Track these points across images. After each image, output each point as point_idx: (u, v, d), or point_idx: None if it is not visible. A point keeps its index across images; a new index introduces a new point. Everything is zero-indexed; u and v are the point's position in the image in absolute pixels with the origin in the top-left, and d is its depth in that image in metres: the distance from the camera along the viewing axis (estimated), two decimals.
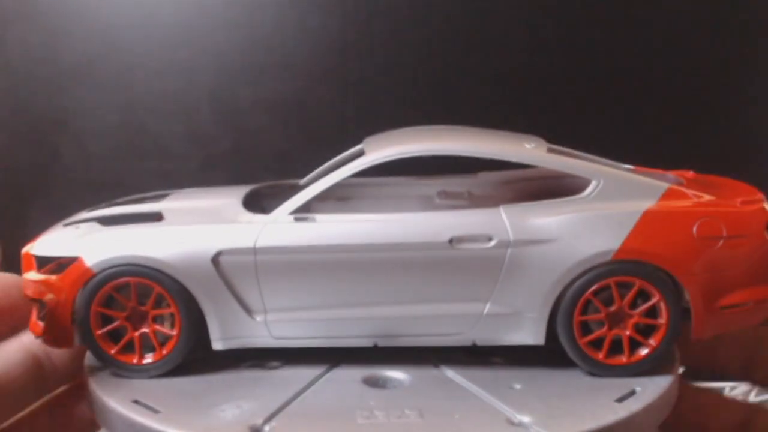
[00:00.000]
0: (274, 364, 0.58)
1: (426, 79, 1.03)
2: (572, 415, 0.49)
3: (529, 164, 0.58)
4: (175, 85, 1.06)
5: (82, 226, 0.60)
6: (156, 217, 0.60)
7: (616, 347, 0.55)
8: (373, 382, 0.56)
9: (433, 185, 0.70)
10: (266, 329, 0.56)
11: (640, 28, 1.00)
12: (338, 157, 0.70)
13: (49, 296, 0.56)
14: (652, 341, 0.54)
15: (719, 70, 1.00)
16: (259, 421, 0.50)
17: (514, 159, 0.58)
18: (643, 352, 0.54)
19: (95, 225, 0.60)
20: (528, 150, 0.59)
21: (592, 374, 0.55)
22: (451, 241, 0.54)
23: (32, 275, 0.58)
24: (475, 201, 0.68)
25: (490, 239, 0.54)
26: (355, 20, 1.03)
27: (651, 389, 0.52)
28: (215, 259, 0.55)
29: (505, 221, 0.54)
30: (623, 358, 0.54)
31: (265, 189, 0.68)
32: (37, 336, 0.59)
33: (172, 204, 0.63)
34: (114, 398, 0.53)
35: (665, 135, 1.00)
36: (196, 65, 1.05)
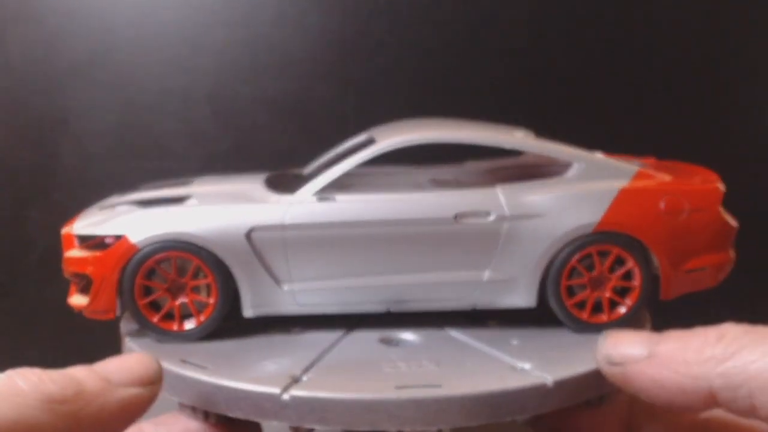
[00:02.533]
0: (296, 330, 0.71)
1: (426, 79, 1.14)
2: (565, 362, 0.63)
3: (524, 150, 0.75)
4: (174, 84, 1.17)
5: (119, 208, 0.72)
6: (189, 199, 0.72)
7: (596, 307, 0.71)
8: (388, 342, 0.69)
9: (424, 173, 0.84)
10: (292, 297, 0.69)
11: (639, 28, 1.12)
12: (344, 146, 0.83)
13: (91, 269, 0.68)
14: (628, 301, 0.70)
15: (720, 69, 1.13)
16: (298, 372, 0.62)
17: (510, 146, 0.74)
18: (621, 311, 0.70)
19: (133, 207, 0.72)
20: (521, 139, 0.75)
21: (577, 332, 0.70)
22: (455, 216, 0.68)
23: (76, 252, 0.70)
24: (462, 188, 0.81)
25: (489, 215, 0.68)
26: (355, 19, 1.14)
27: None
28: (248, 235, 0.67)
29: (502, 199, 0.69)
30: (604, 317, 0.70)
31: (274, 177, 0.80)
32: (79, 309, 0.70)
33: (198, 188, 0.75)
34: (163, 360, 0.62)
35: (664, 133, 1.13)
36: (195, 64, 1.16)
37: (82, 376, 0.52)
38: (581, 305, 0.70)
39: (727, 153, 1.11)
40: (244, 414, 0.60)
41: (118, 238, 0.68)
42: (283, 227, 0.68)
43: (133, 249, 0.68)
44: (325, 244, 0.68)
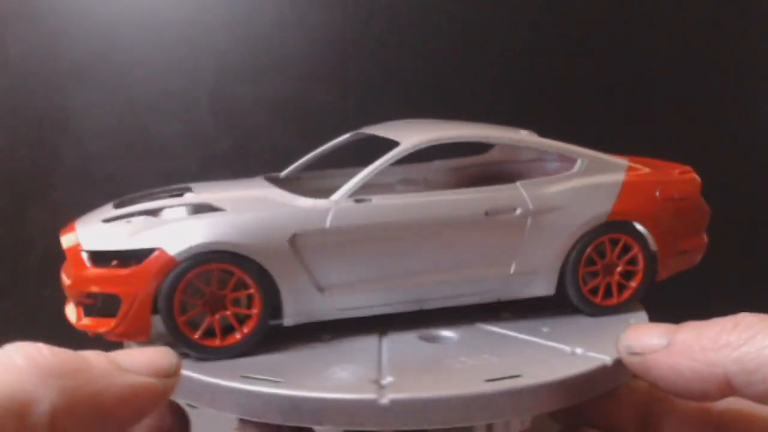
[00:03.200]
0: (326, 337, 0.69)
1: (426, 79, 1.17)
2: (605, 344, 0.65)
3: (535, 148, 0.79)
4: (175, 85, 1.18)
5: (134, 220, 0.67)
6: (213, 207, 0.68)
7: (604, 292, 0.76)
8: (429, 339, 0.69)
9: (394, 173, 0.84)
10: (332, 302, 0.67)
11: (639, 28, 1.15)
12: (330, 144, 0.84)
13: (120, 288, 0.62)
14: (633, 283, 0.75)
15: (719, 70, 1.16)
16: (375, 376, 0.60)
17: (525, 144, 0.78)
18: (627, 293, 0.75)
19: (150, 219, 0.67)
20: (530, 137, 0.79)
21: (592, 315, 0.74)
22: (486, 213, 0.70)
23: (95, 270, 0.63)
24: (431, 186, 0.84)
25: (515, 210, 0.71)
26: (355, 19, 1.16)
27: (641, 318, 0.75)
28: (291, 241, 0.65)
29: (524, 194, 0.72)
30: (614, 300, 0.75)
31: (275, 180, 0.80)
32: (98, 332, 0.64)
33: (213, 195, 0.71)
34: (222, 377, 0.60)
35: (662, 133, 1.15)
36: (195, 64, 1.18)
37: (89, 354, 0.49)
38: (594, 291, 0.75)
39: (729, 152, 1.12)
40: (337, 424, 0.58)
41: (151, 251, 0.63)
42: (324, 231, 0.67)
43: (171, 263, 0.63)
44: (365, 246, 0.68)
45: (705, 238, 0.81)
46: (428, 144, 0.73)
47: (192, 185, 0.78)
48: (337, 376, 0.61)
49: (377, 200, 0.69)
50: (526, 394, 0.59)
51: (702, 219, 0.80)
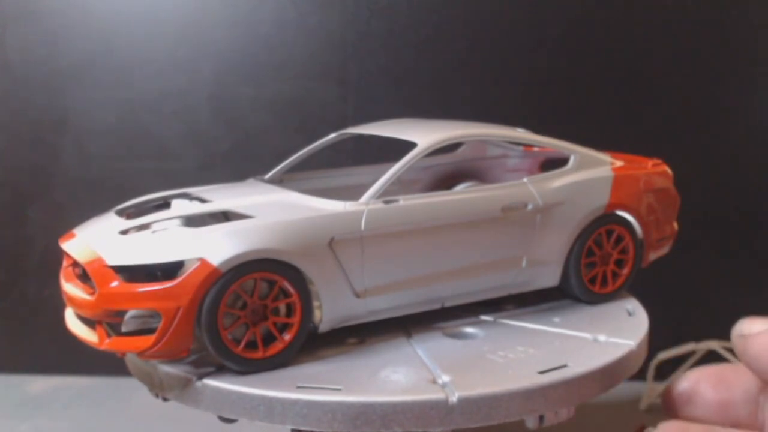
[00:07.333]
0: (352, 340, 0.70)
1: (426, 79, 1.18)
2: (620, 332, 0.71)
3: (536, 145, 0.84)
4: (174, 85, 1.19)
5: (161, 230, 0.65)
6: (240, 215, 0.67)
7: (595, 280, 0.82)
8: (455, 336, 0.71)
9: (365, 174, 0.85)
10: (365, 306, 0.68)
11: (640, 29, 1.15)
12: (316, 144, 0.85)
13: (160, 304, 0.59)
14: (624, 271, 0.81)
15: (719, 70, 1.16)
16: (430, 375, 0.61)
17: (527, 142, 0.83)
18: (620, 280, 0.81)
19: (180, 228, 0.65)
20: (526, 134, 0.83)
21: (590, 303, 0.79)
22: (502, 209, 0.73)
23: (129, 286, 0.61)
24: (404, 185, 0.87)
25: (527, 205, 0.74)
26: (355, 20, 1.17)
27: (634, 304, 0.80)
28: (330, 245, 0.65)
29: (533, 190, 0.75)
30: (609, 288, 0.80)
31: (277, 182, 0.82)
32: (131, 352, 0.61)
33: (235, 201, 0.70)
34: (277, 389, 0.59)
35: (664, 133, 1.15)
36: (195, 65, 1.19)
37: None
38: (592, 280, 0.81)
39: (729, 153, 1.17)
40: (404, 427, 0.58)
41: (194, 262, 0.61)
42: (361, 233, 0.67)
43: (216, 273, 0.61)
44: (397, 247, 0.69)
45: (676, 226, 0.87)
46: (442, 144, 0.75)
47: (189, 190, 0.77)
48: (392, 380, 0.61)
49: (404, 201, 0.70)
50: (577, 382, 0.62)
51: (675, 208, 0.87)
